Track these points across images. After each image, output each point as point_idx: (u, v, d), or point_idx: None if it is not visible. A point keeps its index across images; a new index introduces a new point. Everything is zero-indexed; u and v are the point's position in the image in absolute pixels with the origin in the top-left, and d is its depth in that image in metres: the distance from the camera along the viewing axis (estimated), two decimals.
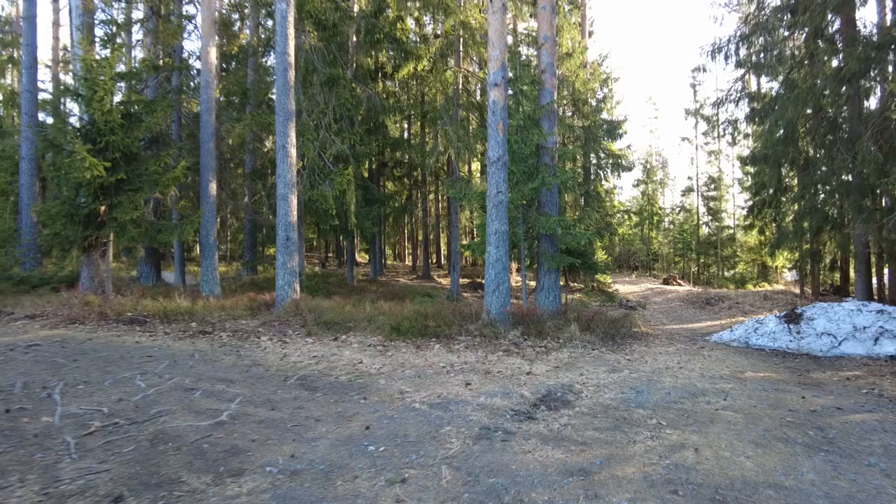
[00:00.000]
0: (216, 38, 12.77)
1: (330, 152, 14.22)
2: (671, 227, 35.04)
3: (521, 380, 6.64)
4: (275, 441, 4.64)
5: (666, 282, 24.55)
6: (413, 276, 24.19)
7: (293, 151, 11.11)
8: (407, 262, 32.18)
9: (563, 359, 7.93)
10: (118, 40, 11.54)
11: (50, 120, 14.84)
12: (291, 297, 10.82)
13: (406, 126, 23.86)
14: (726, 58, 14.21)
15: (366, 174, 20.08)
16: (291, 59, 11.15)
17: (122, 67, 14.35)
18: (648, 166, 38.00)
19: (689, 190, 35.54)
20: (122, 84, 15.00)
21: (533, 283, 18.67)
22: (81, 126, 10.44)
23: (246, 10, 20.41)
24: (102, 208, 10.82)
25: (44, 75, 28.80)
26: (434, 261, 30.78)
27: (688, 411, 5.63)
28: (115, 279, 16.05)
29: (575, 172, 16.09)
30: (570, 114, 23.07)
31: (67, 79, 26.62)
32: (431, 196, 26.95)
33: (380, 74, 19.59)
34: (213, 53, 12.74)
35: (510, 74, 11.81)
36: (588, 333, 9.57)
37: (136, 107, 11.22)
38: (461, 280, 22.14)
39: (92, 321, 9.60)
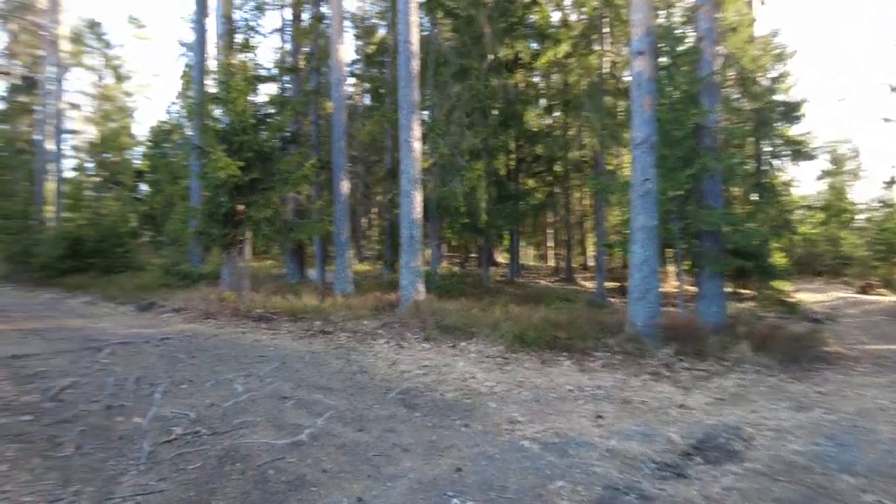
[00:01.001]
0: (345, 36, 12.69)
1: (462, 147, 13.52)
2: (868, 225, 29.29)
3: (671, 415, 5.19)
4: (348, 474, 3.84)
5: (863, 290, 20.29)
6: (554, 279, 22.73)
7: (417, 146, 10.53)
8: (550, 264, 30.67)
9: (729, 388, 6.24)
10: (256, 44, 11.85)
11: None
12: (415, 297, 10.23)
13: (549, 118, 22.45)
14: None
15: (503, 170, 19.15)
16: (415, 47, 10.58)
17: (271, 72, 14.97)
18: (835, 155, 32.26)
19: (892, 181, 29.43)
20: (274, 85, 15.74)
21: (695, 291, 16.34)
22: (220, 129, 10.87)
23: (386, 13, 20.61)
24: (240, 207, 11.16)
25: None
26: (581, 263, 28.92)
27: None
28: (263, 276, 16.92)
29: (743, 159, 13.62)
30: (736, 95, 20.05)
31: None
32: (577, 193, 25.19)
33: (517, 64, 18.55)
34: (343, 51, 12.69)
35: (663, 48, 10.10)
36: (762, 354, 7.63)
37: (269, 108, 11.48)
38: (609, 284, 20.26)
39: (224, 317, 9.84)
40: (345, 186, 12.46)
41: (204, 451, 4.25)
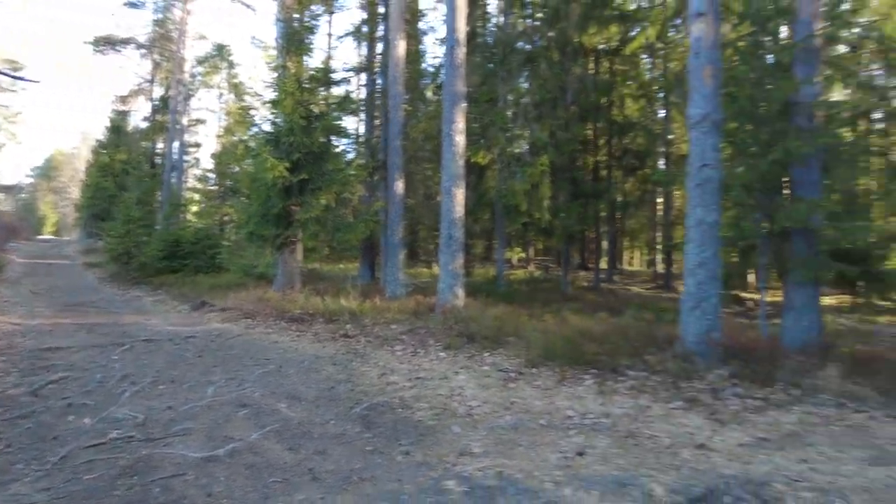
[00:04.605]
0: (404, 32, 12.31)
1: (525, 140, 12.62)
2: None
3: (680, 458, 4.03)
4: (231, 501, 3.32)
5: None
6: (651, 285, 20.71)
7: (460, 139, 9.83)
8: (658, 269, 28.20)
9: (785, 424, 4.84)
10: (313, 46, 11.86)
11: None
12: (453, 302, 9.52)
13: (641, 108, 20.50)
14: None
15: (590, 166, 17.76)
16: (461, 35, 9.92)
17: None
18: None
19: None
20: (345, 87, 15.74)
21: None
22: (268, 131, 10.96)
23: None
24: (292, 207, 11.17)
25: None
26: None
27: None
28: (339, 277, 17.05)
29: (853, 140, 11.21)
30: (880, 71, 16.94)
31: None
32: (679, 190, 22.75)
33: (604, 51, 17.15)
34: (402, 48, 12.31)
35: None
36: (858, 383, 5.96)
37: (322, 108, 11.40)
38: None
39: (262, 317, 9.80)
40: (399, 187, 12.05)
41: (115, 460, 3.93)
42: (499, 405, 5.17)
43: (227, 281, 14.46)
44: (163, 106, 36.97)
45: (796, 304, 7.87)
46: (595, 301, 15.60)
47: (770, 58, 8.69)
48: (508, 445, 4.19)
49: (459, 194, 9.78)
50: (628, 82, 17.81)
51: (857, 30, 15.14)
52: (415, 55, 18.31)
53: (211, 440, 4.30)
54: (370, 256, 16.81)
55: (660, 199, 21.78)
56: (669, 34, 16.98)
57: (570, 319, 9.57)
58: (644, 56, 18.29)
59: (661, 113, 19.03)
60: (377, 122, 15.73)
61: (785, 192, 8.41)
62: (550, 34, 15.17)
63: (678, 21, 16.35)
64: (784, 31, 9.18)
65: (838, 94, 15.08)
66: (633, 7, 15.75)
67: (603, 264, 22.01)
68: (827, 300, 10.97)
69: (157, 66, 37.62)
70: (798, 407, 5.28)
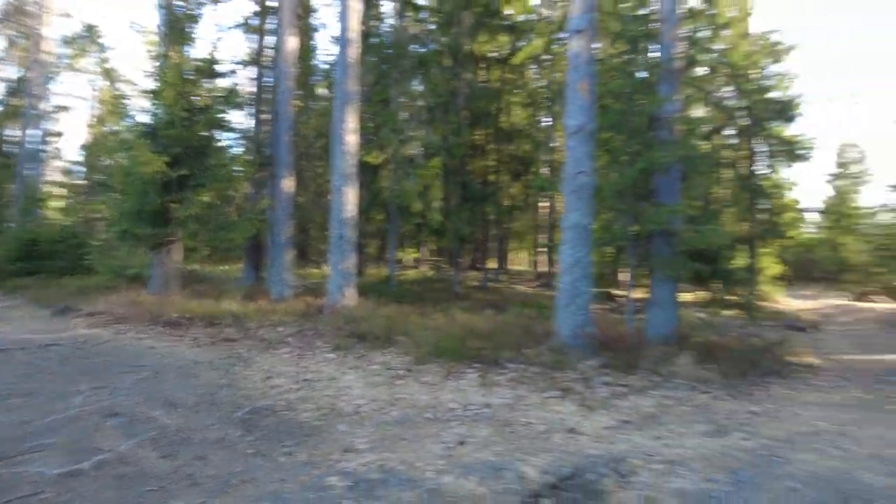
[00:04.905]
0: (295, 28, 12.02)
1: (418, 143, 12.81)
2: (873, 230, 28.08)
3: (551, 442, 4.36)
4: None
5: (860, 298, 19.22)
6: (535, 284, 21.85)
7: (350, 139, 9.81)
8: (543, 269, 29.72)
9: (644, 407, 5.39)
10: (196, 35, 11.22)
11: None
12: (343, 302, 9.48)
13: (526, 116, 21.56)
14: None
15: (479, 171, 18.33)
16: (353, 34, 9.90)
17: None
18: (842, 158, 31.09)
19: None
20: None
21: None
22: (153, 122, 10.25)
23: None
24: (170, 205, 10.50)
25: None
26: None
27: None
28: (221, 279, 16.25)
29: (706, 152, 12.68)
30: (730, 93, 19.11)
31: None
32: (559, 195, 24.22)
33: (495, 60, 17.80)
34: (293, 43, 12.01)
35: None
36: (707, 367, 6.77)
37: (206, 101, 10.84)
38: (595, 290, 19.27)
39: (135, 321, 9.14)
40: (288, 184, 11.74)
41: None
42: (386, 402, 5.26)
43: (97, 283, 13.29)
44: (18, 88, 32.89)
45: (658, 299, 8.72)
46: (483, 299, 16.17)
47: (642, 75, 9.54)
48: (393, 440, 4.30)
49: (351, 193, 9.75)
50: (516, 91, 18.68)
51: (713, 55, 17.04)
52: (306, 51, 17.92)
53: (74, 454, 3.98)
54: (255, 257, 16.15)
55: (546, 203, 22.97)
56: (555, 47, 17.87)
57: (458, 318, 9.85)
58: (531, 66, 19.20)
59: (547, 121, 20.09)
60: (266, 117, 15.22)
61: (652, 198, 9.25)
62: (443, 39, 15.54)
63: (563, 35, 17.44)
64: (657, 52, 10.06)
65: (697, 111, 16.84)
66: (521, 19, 16.52)
67: (492, 264, 22.90)
68: (685, 296, 12.26)
69: (11, 42, 33.46)
70: (656, 391, 5.89)
